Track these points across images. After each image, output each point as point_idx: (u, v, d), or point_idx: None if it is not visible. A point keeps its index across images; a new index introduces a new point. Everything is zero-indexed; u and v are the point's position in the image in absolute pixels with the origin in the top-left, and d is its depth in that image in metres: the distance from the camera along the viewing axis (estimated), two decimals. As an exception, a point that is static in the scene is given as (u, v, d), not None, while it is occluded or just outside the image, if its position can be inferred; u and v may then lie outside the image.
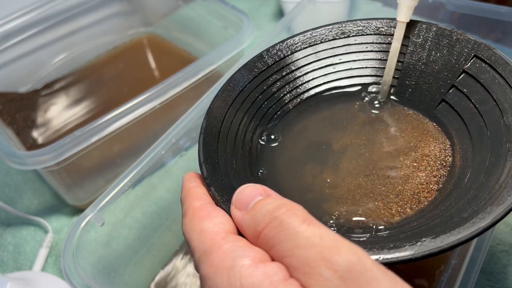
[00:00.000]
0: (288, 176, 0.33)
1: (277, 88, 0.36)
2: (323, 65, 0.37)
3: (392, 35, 0.35)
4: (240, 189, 0.24)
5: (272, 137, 0.35)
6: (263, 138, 0.35)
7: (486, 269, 0.43)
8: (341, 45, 0.37)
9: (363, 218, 0.29)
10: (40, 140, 0.57)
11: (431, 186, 0.30)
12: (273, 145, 0.35)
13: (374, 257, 0.22)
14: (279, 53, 0.37)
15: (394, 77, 0.35)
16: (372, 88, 0.37)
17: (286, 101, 0.37)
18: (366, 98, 0.37)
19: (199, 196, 0.26)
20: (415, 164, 0.31)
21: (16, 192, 0.57)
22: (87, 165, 0.52)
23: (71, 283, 0.35)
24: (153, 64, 0.69)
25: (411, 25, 0.34)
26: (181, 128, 0.42)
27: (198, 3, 0.64)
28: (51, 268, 0.49)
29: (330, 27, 0.37)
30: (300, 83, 0.37)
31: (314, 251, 0.19)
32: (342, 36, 0.37)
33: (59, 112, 0.61)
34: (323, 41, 0.37)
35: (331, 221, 0.29)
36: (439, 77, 0.34)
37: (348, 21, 0.37)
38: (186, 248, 0.47)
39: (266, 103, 0.36)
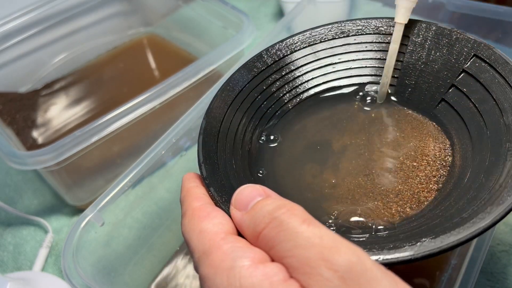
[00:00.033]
0: (288, 176, 0.33)
1: (276, 88, 0.36)
2: (322, 64, 0.37)
3: (391, 34, 0.35)
4: (240, 190, 0.24)
5: (272, 137, 0.35)
6: (262, 138, 0.35)
7: (486, 269, 0.43)
8: (341, 44, 0.37)
9: (362, 218, 0.29)
10: (40, 140, 0.57)
11: (430, 185, 0.30)
12: (273, 145, 0.35)
13: (374, 257, 0.22)
14: (279, 52, 0.37)
15: (393, 77, 0.35)
16: (371, 88, 0.37)
17: (286, 101, 0.37)
18: (366, 98, 0.36)
19: (198, 196, 0.26)
20: (414, 163, 0.31)
21: (16, 192, 0.57)
22: (87, 165, 0.52)
23: (71, 283, 0.35)
24: (153, 64, 0.69)
25: (410, 25, 0.34)
26: (181, 128, 0.42)
27: (198, 3, 0.64)
28: (51, 268, 0.49)
29: (330, 26, 0.37)
30: (299, 83, 0.37)
31: (314, 251, 0.19)
32: (342, 36, 0.37)
33: (59, 112, 0.61)
34: (322, 40, 0.37)
35: (330, 221, 0.29)
36: (438, 76, 0.34)
37: (347, 20, 0.37)
38: (186, 248, 0.47)
39: (265, 103, 0.36)
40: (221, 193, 0.27)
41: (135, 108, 0.46)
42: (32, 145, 0.56)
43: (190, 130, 0.42)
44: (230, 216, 0.24)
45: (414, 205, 0.29)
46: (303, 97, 0.37)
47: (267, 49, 0.37)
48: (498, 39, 0.52)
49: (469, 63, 0.32)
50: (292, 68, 0.37)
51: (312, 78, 0.37)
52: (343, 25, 0.37)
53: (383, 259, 0.22)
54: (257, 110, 0.35)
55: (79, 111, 0.61)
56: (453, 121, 0.32)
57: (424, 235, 0.23)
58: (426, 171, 0.30)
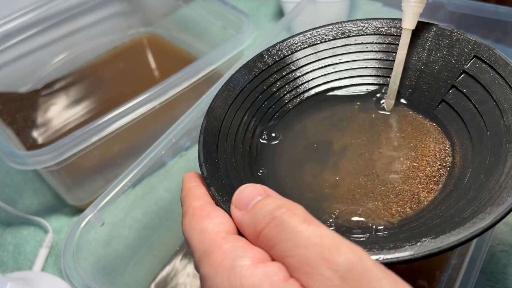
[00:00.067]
0: (288, 176, 0.33)
1: (277, 88, 0.36)
2: (323, 65, 0.37)
3: (392, 35, 0.35)
4: (240, 189, 0.24)
5: (273, 135, 0.35)
6: (263, 137, 0.35)
7: (486, 269, 0.43)
8: (341, 45, 0.37)
9: (362, 218, 0.29)
10: (40, 140, 0.57)
11: (431, 186, 0.30)
12: (273, 142, 0.35)
13: (374, 257, 0.22)
14: (279, 53, 0.37)
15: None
16: (372, 88, 0.37)
17: (286, 101, 0.37)
18: (367, 98, 0.37)
19: (199, 196, 0.26)
20: (415, 164, 0.31)
21: (16, 192, 0.57)
22: (87, 165, 0.52)
23: (71, 283, 0.35)
24: (153, 64, 0.69)
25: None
26: (181, 128, 0.42)
27: (198, 3, 0.64)
28: (51, 268, 0.49)
29: (330, 27, 0.37)
30: (300, 83, 0.37)
31: (314, 251, 0.19)
32: (342, 36, 0.37)
33: (59, 112, 0.61)
34: (323, 41, 0.37)
35: (330, 220, 0.29)
36: (439, 77, 0.34)
37: (348, 21, 0.37)
38: (186, 248, 0.47)
39: (266, 103, 0.36)
40: (222, 193, 0.27)
41: (135, 108, 0.46)
42: (32, 145, 0.56)
43: (190, 130, 0.42)
44: (230, 215, 0.24)
45: (414, 205, 0.29)
46: (304, 97, 0.37)
47: (267, 49, 0.37)
48: (498, 39, 0.52)
49: (469, 64, 0.32)
50: (293, 68, 0.37)
51: (313, 79, 0.37)
52: (343, 25, 0.37)
53: (383, 259, 0.22)
54: (257, 110, 0.35)
55: (79, 111, 0.61)
56: (453, 121, 0.32)
57: (424, 235, 0.23)
58: (426, 172, 0.31)
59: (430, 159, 0.31)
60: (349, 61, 0.37)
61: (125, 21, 0.72)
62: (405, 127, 0.34)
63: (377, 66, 0.36)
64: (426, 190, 0.29)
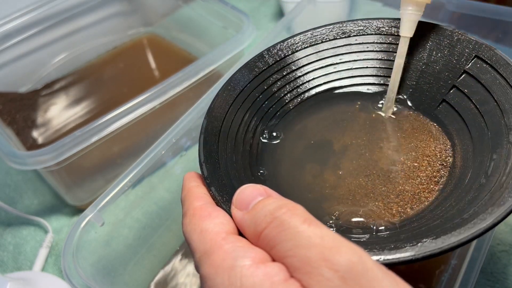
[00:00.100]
0: (289, 176, 0.33)
1: (277, 88, 0.36)
2: (323, 64, 0.37)
3: (393, 35, 0.35)
4: (241, 189, 0.24)
5: (274, 134, 0.35)
6: (263, 137, 0.35)
7: (486, 269, 0.43)
8: (342, 45, 0.37)
9: (363, 219, 0.29)
10: (40, 140, 0.57)
11: (431, 186, 0.30)
12: (274, 142, 0.35)
13: (375, 257, 0.22)
14: (280, 52, 0.37)
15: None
16: (373, 88, 0.37)
17: (287, 101, 0.37)
18: (367, 98, 0.36)
19: (199, 196, 0.26)
20: (415, 164, 0.31)
21: (16, 192, 0.57)
22: (87, 165, 0.52)
23: (71, 283, 0.35)
24: (153, 64, 0.69)
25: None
26: (181, 128, 0.42)
27: (198, 3, 0.64)
28: (51, 268, 0.49)
29: (331, 27, 0.37)
30: (300, 83, 0.37)
31: (315, 251, 0.19)
32: (343, 36, 0.37)
33: (59, 112, 0.61)
34: (323, 41, 0.37)
35: (331, 221, 0.29)
36: (440, 77, 0.34)
37: (348, 21, 0.37)
38: (186, 248, 0.47)
39: (266, 102, 0.36)
40: (222, 193, 0.27)
41: (135, 108, 0.46)
42: (32, 145, 0.56)
43: (190, 130, 0.42)
44: (231, 215, 0.24)
45: (415, 206, 0.29)
46: (304, 97, 0.37)
47: (268, 49, 0.37)
48: (498, 39, 0.52)
49: (470, 64, 0.32)
50: (294, 68, 0.37)
51: (314, 78, 0.37)
52: (344, 25, 0.37)
53: (384, 259, 0.22)
54: (258, 109, 0.35)
55: (79, 111, 0.61)
56: (454, 122, 0.32)
57: (425, 235, 0.23)
58: (427, 172, 0.30)
59: (430, 159, 0.31)
60: (349, 61, 0.37)
61: (125, 21, 0.72)
62: (405, 127, 0.34)
63: (377, 66, 0.36)
64: (426, 191, 0.29)
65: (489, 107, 0.29)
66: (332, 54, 0.37)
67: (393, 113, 0.35)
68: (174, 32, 0.72)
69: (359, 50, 0.37)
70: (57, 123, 0.60)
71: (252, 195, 0.23)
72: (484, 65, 0.31)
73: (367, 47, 0.36)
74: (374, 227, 0.28)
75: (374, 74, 0.37)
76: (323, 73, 0.37)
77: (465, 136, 0.31)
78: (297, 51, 0.37)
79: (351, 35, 0.37)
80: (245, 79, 0.35)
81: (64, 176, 0.49)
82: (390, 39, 0.36)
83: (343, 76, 0.37)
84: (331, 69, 0.37)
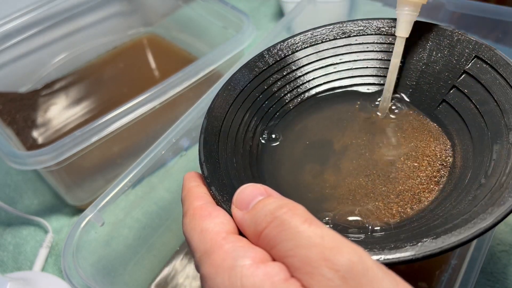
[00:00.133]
0: (289, 176, 0.33)
1: (277, 88, 0.36)
2: (324, 65, 0.37)
3: (393, 35, 0.35)
4: (241, 189, 0.24)
5: (273, 136, 0.35)
6: (264, 136, 0.35)
7: (486, 269, 0.43)
8: (342, 45, 0.37)
9: (363, 219, 0.29)
10: (40, 140, 0.57)
11: (431, 186, 0.30)
12: (274, 144, 0.35)
13: (375, 257, 0.22)
14: (280, 52, 0.37)
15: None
16: (373, 88, 0.37)
17: (287, 101, 0.37)
18: (367, 98, 0.36)
19: (199, 195, 0.26)
20: (415, 164, 0.31)
21: (16, 192, 0.57)
22: (87, 165, 0.52)
23: (71, 283, 0.35)
24: (153, 64, 0.69)
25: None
26: (181, 128, 0.42)
27: (198, 3, 0.64)
28: (51, 268, 0.49)
29: (331, 27, 0.37)
30: (300, 83, 0.37)
31: (315, 251, 0.19)
32: (343, 36, 0.37)
33: (59, 112, 0.61)
34: (324, 41, 0.37)
35: (327, 218, 0.29)
36: (440, 77, 0.34)
37: (349, 21, 0.37)
38: (186, 248, 0.47)
39: (266, 102, 0.36)
40: (222, 192, 0.27)
41: (135, 108, 0.46)
42: (32, 145, 0.56)
43: (190, 130, 0.42)
44: (231, 215, 0.24)
45: (415, 206, 0.29)
46: (304, 97, 0.37)
47: (268, 49, 0.37)
48: (498, 39, 0.52)
49: (470, 64, 0.32)
50: (294, 68, 0.37)
51: (314, 78, 0.37)
52: (344, 25, 0.37)
53: (384, 259, 0.22)
54: (258, 109, 0.35)
55: (79, 111, 0.61)
56: (454, 122, 0.32)
57: (425, 235, 0.23)
58: (427, 172, 0.31)
59: (430, 159, 0.31)
60: (350, 61, 0.37)
61: (125, 21, 0.72)
62: (405, 127, 0.34)
63: (378, 66, 0.36)
64: (426, 190, 0.29)
65: (489, 107, 0.29)
66: (332, 54, 0.37)
67: (393, 113, 0.35)
68: (174, 32, 0.72)
69: (359, 50, 0.37)
70: (57, 123, 0.60)
71: (252, 195, 0.23)
72: (484, 65, 0.31)
73: (367, 47, 0.36)
74: (375, 228, 0.28)
75: (374, 74, 0.37)
76: (323, 73, 0.37)
77: (465, 136, 0.31)
78: (297, 51, 0.37)
79: (351, 35, 0.37)
80: (245, 79, 0.35)
81: (64, 176, 0.49)
82: (390, 39, 0.36)
83: (343, 76, 0.37)
84: (331, 69, 0.37)
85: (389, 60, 0.35)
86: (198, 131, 0.31)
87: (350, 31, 0.37)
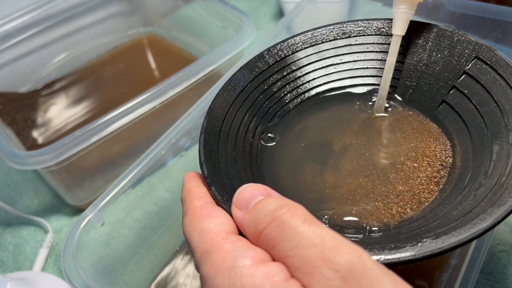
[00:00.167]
0: (289, 176, 0.33)
1: (277, 88, 0.36)
2: (324, 65, 0.37)
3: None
4: (241, 189, 0.24)
5: (273, 136, 0.35)
6: (263, 137, 0.35)
7: (486, 269, 0.43)
8: (342, 45, 0.37)
9: (361, 219, 0.29)
10: (40, 140, 0.57)
11: (431, 186, 0.30)
12: (274, 144, 0.35)
13: (375, 257, 0.22)
14: (280, 52, 0.37)
15: (394, 78, 0.35)
16: (373, 88, 0.37)
17: (287, 101, 0.37)
18: (367, 98, 0.37)
19: (199, 195, 0.26)
20: (415, 164, 0.31)
21: (16, 192, 0.57)
22: (87, 165, 0.52)
23: (71, 283, 0.35)
24: (153, 64, 0.69)
25: (411, 26, 0.34)
26: (181, 128, 0.42)
27: (198, 3, 0.64)
28: (51, 268, 0.49)
29: (331, 27, 0.37)
30: (300, 83, 0.37)
31: (315, 251, 0.19)
32: (343, 36, 0.37)
33: (59, 112, 0.61)
34: (324, 41, 0.37)
35: (326, 216, 0.29)
36: (439, 78, 0.34)
37: (349, 21, 0.37)
38: (186, 248, 0.47)
39: (266, 102, 0.36)
40: (222, 192, 0.27)
41: (135, 108, 0.46)
42: (32, 145, 0.56)
43: (190, 130, 0.42)
44: (231, 215, 0.24)
45: (415, 206, 0.29)
46: (304, 98, 0.37)
47: (268, 49, 0.37)
48: (498, 39, 0.52)
49: (470, 64, 0.32)
50: (294, 68, 0.37)
51: (314, 79, 0.37)
52: (344, 25, 0.37)
53: (384, 259, 0.22)
54: (258, 110, 0.35)
55: (79, 111, 0.61)
56: (454, 122, 0.32)
57: (425, 235, 0.23)
58: (427, 172, 0.31)
59: (430, 160, 0.31)
60: (350, 61, 0.37)
61: (125, 21, 0.72)
62: (405, 128, 0.34)
63: (378, 66, 0.36)
64: (426, 191, 0.29)
65: (489, 108, 0.29)
66: (332, 55, 0.37)
67: (393, 114, 0.35)
68: (174, 32, 0.72)
69: (360, 51, 0.37)
70: (57, 123, 0.60)
71: (252, 195, 0.23)
72: (484, 66, 0.31)
73: (368, 48, 0.37)
74: (368, 228, 0.28)
75: (374, 74, 0.37)
76: (324, 73, 0.37)
77: (465, 137, 0.31)
78: (297, 51, 0.37)
79: (352, 35, 0.37)
80: (245, 79, 0.35)
81: (64, 176, 0.49)
82: (390, 39, 0.36)
83: (343, 77, 0.37)
84: (331, 69, 0.37)
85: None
86: (198, 131, 0.31)
87: (350, 32, 0.37)
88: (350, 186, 0.31)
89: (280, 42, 0.37)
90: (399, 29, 0.33)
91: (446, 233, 0.22)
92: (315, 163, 0.33)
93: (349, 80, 0.37)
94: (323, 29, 0.37)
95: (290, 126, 0.36)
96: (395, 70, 0.35)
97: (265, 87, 0.36)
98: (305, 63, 0.37)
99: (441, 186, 0.29)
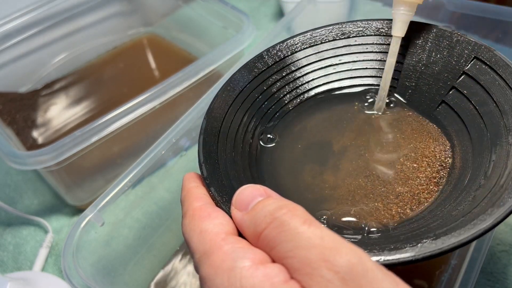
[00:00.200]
0: (288, 177, 0.33)
1: (277, 89, 0.36)
2: (323, 65, 0.37)
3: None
4: (241, 190, 0.24)
5: (272, 137, 0.35)
6: (263, 138, 0.35)
7: (486, 269, 0.43)
8: (342, 45, 0.37)
9: (360, 220, 0.29)
10: (40, 140, 0.57)
11: (431, 187, 0.30)
12: (273, 145, 0.35)
13: (375, 258, 0.22)
14: (279, 53, 0.37)
15: (394, 78, 0.35)
16: (372, 89, 0.37)
17: (286, 102, 0.37)
18: (366, 99, 0.37)
19: (199, 196, 0.26)
20: (415, 165, 0.31)
21: (16, 192, 0.57)
22: (87, 165, 0.52)
23: (71, 283, 0.35)
24: (153, 64, 0.69)
25: (411, 26, 0.34)
26: (181, 128, 0.42)
27: (198, 3, 0.64)
28: (51, 268, 0.49)
29: (330, 27, 0.37)
30: (300, 84, 0.37)
31: (315, 252, 0.19)
32: (343, 37, 0.37)
33: (59, 112, 0.61)
34: (323, 41, 0.37)
35: (325, 216, 0.29)
36: (439, 78, 0.34)
37: (348, 21, 0.37)
38: (186, 248, 0.47)
39: (266, 103, 0.36)
40: (222, 193, 0.27)
41: (135, 108, 0.46)
42: (32, 145, 0.56)
43: (190, 130, 0.42)
44: (230, 216, 0.24)
45: (415, 206, 0.29)
46: (304, 98, 0.37)
47: (267, 50, 0.37)
48: (498, 39, 0.52)
49: (469, 65, 0.32)
50: (293, 69, 0.37)
51: (313, 79, 0.37)
52: (344, 26, 0.37)
53: (384, 260, 0.22)
54: (257, 110, 0.35)
55: (79, 111, 0.61)
56: (453, 123, 0.32)
57: (425, 236, 0.23)
58: (426, 173, 0.31)
59: (430, 160, 0.31)
60: (349, 62, 0.37)
61: (125, 21, 0.72)
62: (405, 128, 0.34)
63: (377, 67, 0.36)
64: (426, 191, 0.29)
65: (488, 108, 0.29)
66: (331, 55, 0.37)
67: (392, 114, 0.35)
68: (174, 32, 0.72)
69: (359, 51, 0.37)
70: (57, 123, 0.60)
71: (251, 196, 0.23)
72: (483, 66, 0.31)
73: (367, 48, 0.37)
74: (366, 228, 0.28)
75: (373, 75, 0.37)
76: (323, 74, 0.37)
77: (464, 137, 0.31)
78: (296, 51, 0.37)
79: (351, 36, 0.37)
80: (245, 80, 0.35)
81: (64, 176, 0.49)
82: (390, 40, 0.36)
83: (343, 77, 0.37)
84: (330, 70, 0.37)
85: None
86: (198, 131, 0.31)
87: (350, 32, 0.37)
88: (350, 187, 0.31)
89: (279, 43, 0.37)
90: (399, 31, 0.33)
91: (446, 234, 0.22)
92: (315, 164, 0.33)
93: (348, 80, 0.37)
94: (322, 29, 0.37)
95: (290, 127, 0.36)
96: (394, 70, 0.35)
97: (264, 88, 0.36)
98: (304, 64, 0.37)
99: (440, 187, 0.30)
